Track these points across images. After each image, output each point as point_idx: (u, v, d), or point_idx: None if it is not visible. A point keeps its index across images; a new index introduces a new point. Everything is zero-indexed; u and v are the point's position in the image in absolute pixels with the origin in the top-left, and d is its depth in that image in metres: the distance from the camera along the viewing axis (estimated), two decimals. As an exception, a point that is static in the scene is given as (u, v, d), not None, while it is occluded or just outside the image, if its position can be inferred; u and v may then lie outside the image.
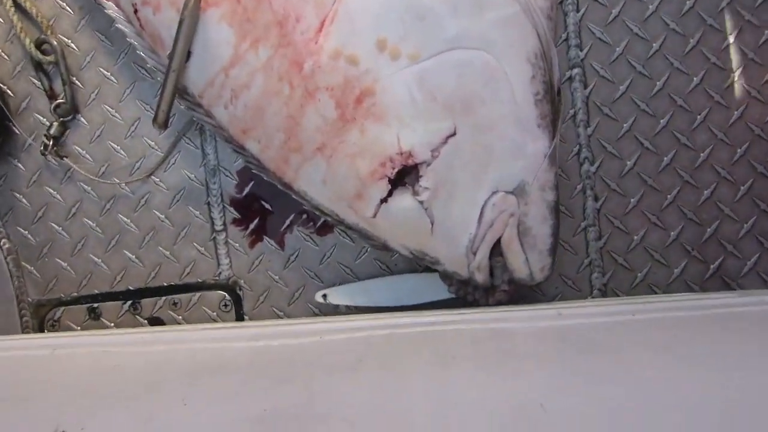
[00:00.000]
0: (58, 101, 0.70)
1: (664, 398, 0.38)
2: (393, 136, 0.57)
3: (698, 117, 0.67)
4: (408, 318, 0.57)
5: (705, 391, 0.39)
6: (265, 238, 0.71)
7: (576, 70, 0.68)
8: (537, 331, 0.51)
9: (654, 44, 0.67)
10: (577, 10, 0.67)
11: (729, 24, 0.67)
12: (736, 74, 0.67)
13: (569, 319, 0.53)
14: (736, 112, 0.67)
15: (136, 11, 0.62)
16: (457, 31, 0.55)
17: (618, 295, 0.68)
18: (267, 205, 0.70)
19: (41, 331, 0.73)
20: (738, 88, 0.67)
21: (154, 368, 0.49)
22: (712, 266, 0.67)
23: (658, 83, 0.67)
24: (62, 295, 0.73)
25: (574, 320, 0.53)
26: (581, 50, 0.68)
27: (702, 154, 0.67)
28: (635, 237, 0.68)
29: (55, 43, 0.69)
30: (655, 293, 0.67)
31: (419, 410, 0.39)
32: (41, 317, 0.73)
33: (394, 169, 0.58)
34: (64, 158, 0.70)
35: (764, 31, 0.66)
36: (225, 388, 0.44)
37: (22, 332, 0.71)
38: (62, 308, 0.73)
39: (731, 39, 0.67)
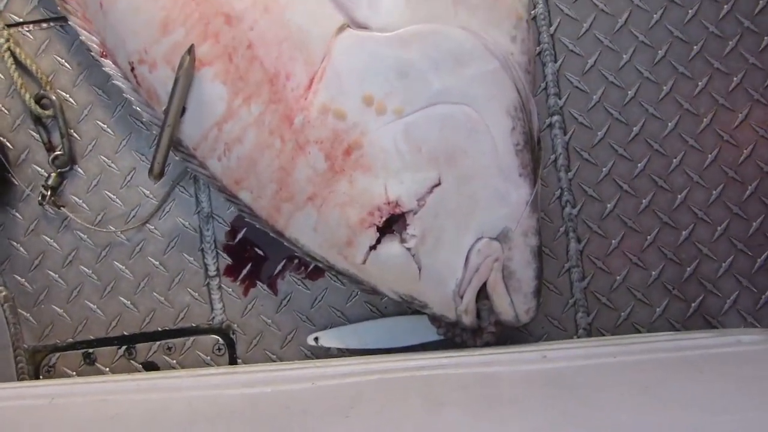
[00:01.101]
0: (56, 153, 0.72)
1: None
2: (380, 187, 0.59)
3: (674, 160, 0.70)
4: (397, 362, 0.58)
5: (682, 434, 0.41)
6: (258, 283, 0.72)
7: (555, 117, 0.70)
8: (522, 376, 0.53)
9: (629, 92, 0.70)
10: (555, 61, 0.71)
11: (699, 71, 0.70)
12: (709, 119, 0.70)
13: (554, 362, 0.55)
14: (710, 156, 0.70)
15: (132, 69, 0.64)
16: (439, 87, 0.58)
17: (603, 334, 0.70)
18: (260, 251, 0.72)
19: (37, 377, 0.74)
20: (711, 133, 0.70)
21: (152, 417, 0.50)
22: (693, 305, 0.69)
23: (634, 129, 0.70)
24: (58, 341, 0.74)
25: (558, 363, 0.55)
26: (560, 98, 0.71)
27: (679, 196, 0.70)
28: (618, 277, 0.70)
29: (54, 97, 0.72)
30: (639, 332, 0.69)
31: (408, 457, 0.41)
32: (37, 363, 0.74)
33: (382, 217, 0.60)
34: (62, 208, 0.72)
35: (732, 78, 0.70)
36: (221, 438, 0.45)
37: (18, 379, 0.72)
38: (58, 354, 0.74)
39: (702, 86, 0.70)
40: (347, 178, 0.59)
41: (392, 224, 0.60)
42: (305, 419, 0.46)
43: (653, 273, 0.70)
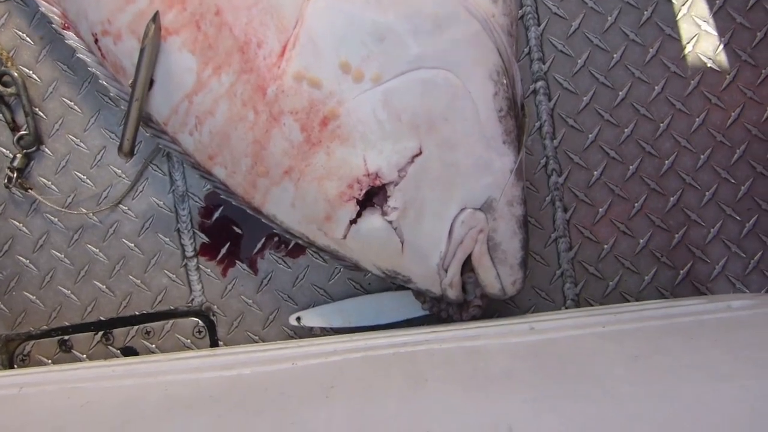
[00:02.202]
0: (21, 133, 0.69)
1: (635, 414, 0.39)
2: (359, 158, 0.57)
3: (661, 125, 0.68)
4: (382, 339, 0.57)
5: (676, 404, 0.39)
6: (237, 262, 0.70)
7: (540, 83, 0.68)
8: (509, 348, 0.51)
9: (615, 55, 0.68)
10: (538, 24, 0.68)
11: (686, 33, 0.68)
12: (696, 81, 0.68)
13: (541, 334, 0.53)
14: (697, 119, 0.68)
15: (96, 41, 0.61)
16: (418, 51, 0.55)
17: (591, 305, 0.68)
18: (238, 229, 0.70)
19: (11, 366, 0.71)
20: (698, 95, 0.68)
21: (125, 405, 0.48)
22: (681, 272, 0.68)
23: (620, 93, 0.68)
24: (32, 329, 0.71)
25: (546, 335, 0.53)
26: (544, 63, 0.68)
27: (667, 162, 0.68)
28: (605, 246, 0.69)
29: (16, 74, 0.68)
30: (628, 301, 0.68)
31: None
32: (11, 352, 0.71)
33: (361, 190, 0.58)
34: (29, 190, 0.69)
35: (720, 38, 0.68)
36: (198, 424, 0.43)
37: (-8, 369, 0.70)
38: (32, 342, 0.71)
39: (689, 48, 0.68)
40: (324, 150, 0.57)
41: (372, 197, 0.58)
42: (284, 401, 0.44)
43: (641, 241, 0.68)
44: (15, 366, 0.71)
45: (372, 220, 0.58)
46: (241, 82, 0.57)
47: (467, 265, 0.60)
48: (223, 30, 0.56)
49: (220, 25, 0.56)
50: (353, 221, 0.59)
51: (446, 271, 0.59)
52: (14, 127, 0.70)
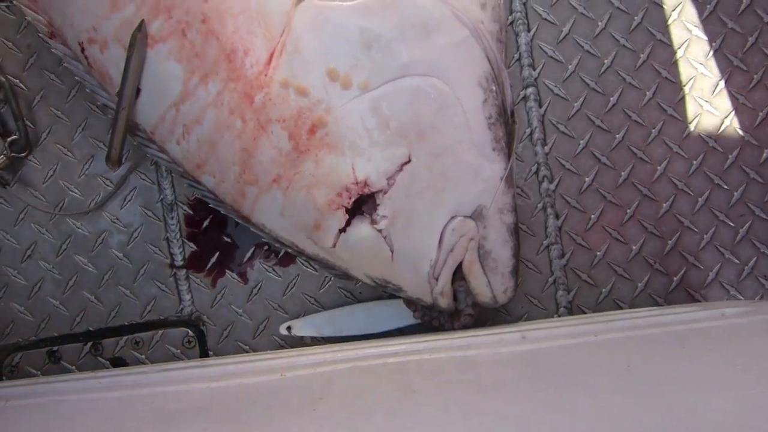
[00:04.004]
0: (12, 138, 0.68)
1: (627, 425, 0.38)
2: (348, 166, 0.56)
3: (653, 131, 0.68)
4: (371, 349, 0.56)
5: (668, 415, 0.39)
6: (227, 271, 0.69)
7: (530, 89, 0.68)
8: (501, 358, 0.50)
9: (605, 60, 0.68)
10: (528, 30, 0.68)
11: (676, 38, 0.68)
12: (687, 87, 0.68)
13: (534, 342, 0.53)
14: (690, 125, 0.68)
15: (83, 49, 0.61)
16: (406, 59, 0.55)
17: (584, 312, 0.68)
18: (227, 239, 0.69)
19: (0, 377, 0.71)
20: (689, 101, 0.68)
21: (109, 418, 0.48)
22: (675, 278, 0.68)
23: (611, 99, 0.68)
24: (20, 340, 0.70)
25: (537, 344, 0.52)
26: (534, 69, 0.68)
27: (659, 168, 0.68)
28: (598, 253, 0.68)
29: (4, 79, 0.68)
30: (621, 308, 0.67)
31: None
32: (-1, 363, 0.71)
33: (350, 198, 0.57)
34: (6, 186, 0.69)
35: (711, 43, 0.68)
36: (183, 438, 0.42)
37: (-20, 380, 0.69)
38: (20, 353, 0.70)
39: (680, 53, 0.68)
40: (313, 158, 0.56)
41: (362, 205, 0.58)
42: (271, 414, 0.44)
43: (634, 247, 0.68)
44: (3, 377, 0.70)
45: (361, 228, 0.58)
46: (228, 90, 0.56)
47: (458, 274, 0.60)
48: (209, 38, 0.56)
49: (207, 34, 0.55)
50: (342, 230, 0.58)
51: (437, 279, 0.59)
52: (3, 133, 0.69)
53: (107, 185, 0.69)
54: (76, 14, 0.59)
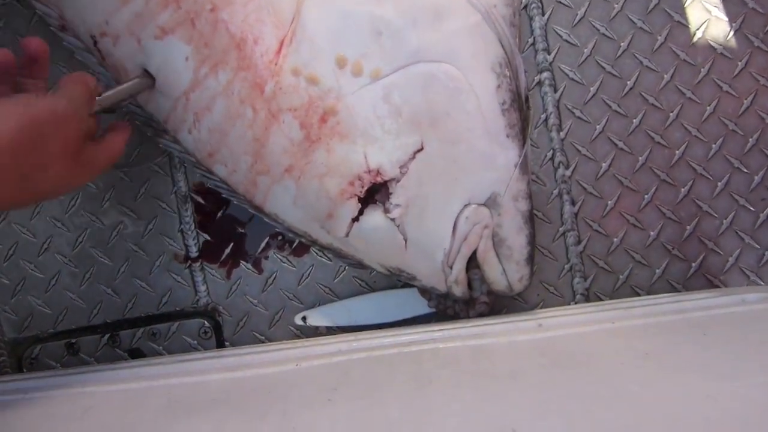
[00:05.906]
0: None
1: (645, 414, 0.37)
2: (360, 155, 0.56)
3: (671, 114, 0.66)
4: (386, 338, 0.56)
5: (687, 403, 0.38)
6: (242, 262, 0.69)
7: (545, 74, 0.67)
8: (517, 347, 0.50)
9: (622, 43, 0.66)
10: (543, 14, 0.67)
11: (695, 19, 0.66)
12: (706, 69, 0.66)
13: (549, 330, 0.52)
14: (708, 108, 0.66)
15: (95, 43, 0.60)
16: (418, 44, 0.54)
17: (601, 299, 0.67)
18: (241, 229, 0.69)
19: (20, 370, 0.71)
20: (709, 83, 0.66)
21: (128, 410, 0.48)
22: (693, 264, 0.67)
23: (628, 83, 0.66)
24: (39, 332, 0.71)
25: (554, 332, 0.52)
26: (549, 54, 0.67)
27: (677, 152, 0.67)
28: (615, 239, 0.67)
29: (16, 76, 0.68)
30: (638, 295, 0.66)
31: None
32: (18, 356, 0.71)
33: (363, 187, 0.57)
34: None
35: (731, 23, 0.66)
36: (201, 430, 0.42)
37: (0, 373, 0.70)
38: (39, 345, 0.71)
39: (699, 34, 0.66)
40: (324, 147, 0.56)
41: (374, 194, 0.57)
42: (286, 404, 0.44)
43: (652, 233, 0.67)
44: (24, 369, 0.71)
45: (374, 217, 0.57)
46: (238, 80, 0.56)
47: (473, 262, 0.59)
48: (219, 27, 0.55)
49: (216, 22, 0.55)
50: (355, 219, 0.58)
51: (451, 268, 0.58)
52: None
53: (123, 178, 0.70)
54: (87, 7, 0.59)
